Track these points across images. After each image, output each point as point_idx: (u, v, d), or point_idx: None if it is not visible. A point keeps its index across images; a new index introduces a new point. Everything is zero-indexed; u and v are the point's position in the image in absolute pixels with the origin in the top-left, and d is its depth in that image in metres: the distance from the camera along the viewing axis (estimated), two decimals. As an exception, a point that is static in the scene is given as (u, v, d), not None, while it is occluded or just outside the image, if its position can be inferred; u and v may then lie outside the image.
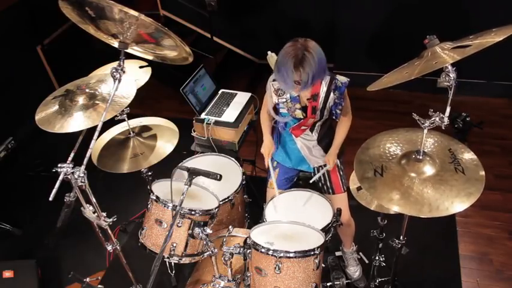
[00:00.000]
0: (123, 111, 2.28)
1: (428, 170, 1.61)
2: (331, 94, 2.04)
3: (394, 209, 1.53)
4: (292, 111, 2.11)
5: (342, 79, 2.04)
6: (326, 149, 2.26)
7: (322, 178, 2.32)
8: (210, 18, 3.84)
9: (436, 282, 2.57)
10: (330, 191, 2.31)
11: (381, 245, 2.26)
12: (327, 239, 1.94)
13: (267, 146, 2.29)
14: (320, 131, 2.22)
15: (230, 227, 2.00)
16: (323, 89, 2.04)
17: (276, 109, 2.17)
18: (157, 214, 1.97)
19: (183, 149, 2.70)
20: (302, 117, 2.11)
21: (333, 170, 2.29)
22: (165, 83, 4.25)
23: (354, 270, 2.54)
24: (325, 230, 2.05)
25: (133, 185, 2.99)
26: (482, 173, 1.57)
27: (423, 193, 1.53)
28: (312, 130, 2.20)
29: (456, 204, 1.49)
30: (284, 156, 2.35)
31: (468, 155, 1.65)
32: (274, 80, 2.06)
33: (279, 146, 2.35)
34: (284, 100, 2.09)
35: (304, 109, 2.09)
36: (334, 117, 2.13)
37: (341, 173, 2.31)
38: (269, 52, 2.29)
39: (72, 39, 4.06)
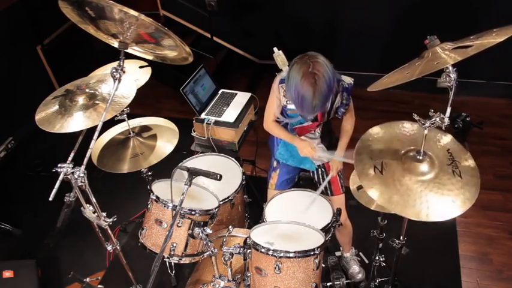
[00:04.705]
0: (123, 111, 2.28)
1: (428, 170, 1.60)
2: (339, 96, 2.04)
3: (393, 211, 1.53)
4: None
5: (347, 80, 2.03)
6: (329, 146, 2.26)
7: (321, 179, 2.34)
8: (210, 18, 3.84)
9: (436, 282, 2.57)
10: (329, 192, 2.31)
11: (380, 245, 2.25)
12: (326, 239, 1.94)
13: (305, 146, 2.12)
14: (323, 129, 2.21)
15: (230, 227, 2.00)
16: None
17: (282, 110, 2.16)
18: (157, 214, 1.97)
19: (183, 149, 2.70)
20: (311, 121, 2.11)
21: (333, 171, 2.29)
22: (165, 83, 4.26)
23: (358, 271, 2.54)
24: (325, 229, 2.06)
25: (133, 185, 2.99)
26: (478, 180, 1.54)
27: (421, 195, 1.53)
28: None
29: (454, 208, 1.48)
30: (287, 155, 2.34)
31: (466, 160, 1.62)
32: (281, 82, 2.03)
33: (281, 145, 2.34)
34: (293, 106, 2.01)
35: None
36: (337, 116, 2.12)
37: (340, 174, 2.32)
38: (275, 49, 2.15)
39: (72, 39, 4.06)
